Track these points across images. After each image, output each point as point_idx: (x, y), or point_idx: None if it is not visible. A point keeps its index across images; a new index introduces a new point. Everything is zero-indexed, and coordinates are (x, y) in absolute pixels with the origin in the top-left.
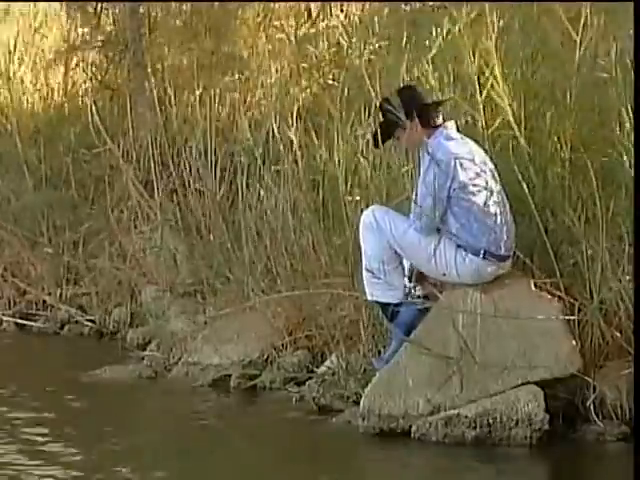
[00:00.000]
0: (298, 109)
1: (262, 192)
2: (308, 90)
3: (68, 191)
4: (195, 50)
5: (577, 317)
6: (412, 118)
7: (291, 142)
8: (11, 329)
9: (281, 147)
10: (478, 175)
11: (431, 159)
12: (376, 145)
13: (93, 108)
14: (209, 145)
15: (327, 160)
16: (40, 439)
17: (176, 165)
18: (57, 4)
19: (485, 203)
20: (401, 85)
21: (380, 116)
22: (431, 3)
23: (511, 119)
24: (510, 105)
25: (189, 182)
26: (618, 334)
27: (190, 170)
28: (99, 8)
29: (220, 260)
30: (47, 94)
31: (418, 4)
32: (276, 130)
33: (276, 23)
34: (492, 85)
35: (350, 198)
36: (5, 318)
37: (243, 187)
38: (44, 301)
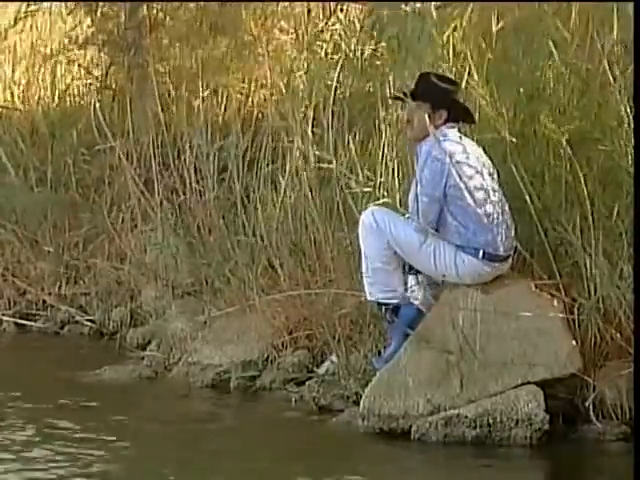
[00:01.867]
0: (305, 107)
1: (264, 191)
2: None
3: (68, 191)
4: (199, 50)
5: (577, 317)
6: (436, 109)
7: (292, 140)
8: (11, 329)
9: (286, 144)
10: (474, 175)
11: (427, 156)
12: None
13: (94, 108)
14: (210, 145)
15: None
16: (39, 439)
17: (176, 165)
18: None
19: (481, 203)
20: (447, 75)
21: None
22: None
23: (493, 116)
24: (492, 101)
25: (189, 182)
26: (618, 334)
27: (190, 170)
28: (98, 8)
29: (220, 260)
30: (47, 94)
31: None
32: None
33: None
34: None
35: (365, 192)
36: (5, 318)
37: (243, 186)
38: (44, 301)
